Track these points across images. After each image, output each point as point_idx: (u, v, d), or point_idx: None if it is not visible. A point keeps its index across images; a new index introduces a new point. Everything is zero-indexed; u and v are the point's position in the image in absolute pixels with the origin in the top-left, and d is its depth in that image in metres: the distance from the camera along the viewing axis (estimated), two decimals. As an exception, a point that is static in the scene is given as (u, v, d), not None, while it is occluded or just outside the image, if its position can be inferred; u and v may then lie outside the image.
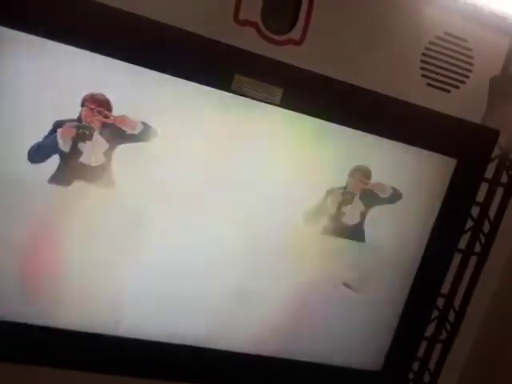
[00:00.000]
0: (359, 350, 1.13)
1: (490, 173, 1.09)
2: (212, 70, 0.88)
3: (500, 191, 1.11)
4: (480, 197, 1.09)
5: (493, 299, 1.21)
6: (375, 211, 1.03)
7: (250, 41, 0.92)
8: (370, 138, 0.98)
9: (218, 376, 1.06)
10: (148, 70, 0.85)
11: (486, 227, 1.11)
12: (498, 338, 1.19)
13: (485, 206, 1.10)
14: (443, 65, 1.03)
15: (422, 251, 1.08)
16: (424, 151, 1.01)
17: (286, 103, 0.91)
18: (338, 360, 1.12)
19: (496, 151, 1.07)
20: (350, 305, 1.08)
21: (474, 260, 1.14)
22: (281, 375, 1.10)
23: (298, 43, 0.96)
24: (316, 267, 1.04)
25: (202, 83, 0.88)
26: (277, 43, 0.96)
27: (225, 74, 0.88)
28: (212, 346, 1.03)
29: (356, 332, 1.11)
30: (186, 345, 1.01)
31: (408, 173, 1.03)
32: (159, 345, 0.99)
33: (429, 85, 1.03)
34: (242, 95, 0.89)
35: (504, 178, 1.11)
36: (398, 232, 1.06)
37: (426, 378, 1.21)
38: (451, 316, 1.16)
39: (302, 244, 1.01)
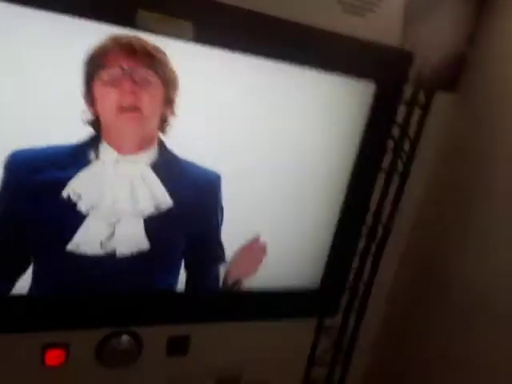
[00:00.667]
0: (296, 272, 1.21)
1: (407, 94, 1.15)
2: (113, 6, 0.86)
3: (418, 112, 1.17)
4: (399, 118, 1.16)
5: (418, 212, 1.31)
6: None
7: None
8: (288, 68, 1.00)
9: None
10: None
11: (407, 146, 1.19)
12: (426, 246, 1.30)
13: (404, 127, 1.17)
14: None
15: (349, 174, 1.15)
16: (342, 78, 1.05)
17: (199, 38, 0.91)
18: (274, 285, 1.19)
19: (412, 73, 1.12)
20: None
21: (397, 178, 1.22)
22: (218, 309, 1.17)
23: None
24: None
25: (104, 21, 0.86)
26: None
27: (127, 9, 0.86)
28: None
29: (291, 255, 1.18)
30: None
31: (328, 101, 1.07)
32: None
33: (345, 11, 1.05)
34: (149, 32, 0.89)
35: (421, 99, 1.17)
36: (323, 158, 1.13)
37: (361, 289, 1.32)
38: (379, 234, 1.26)
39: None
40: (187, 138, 0.99)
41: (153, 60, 0.92)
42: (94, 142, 0.95)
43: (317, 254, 1.21)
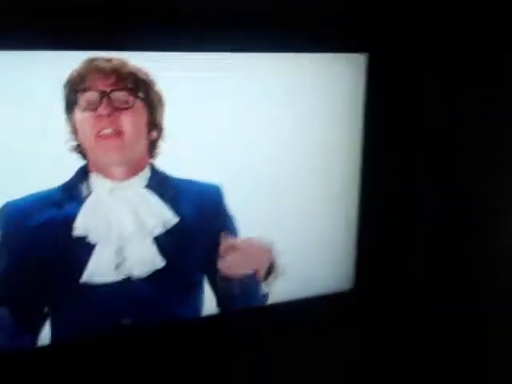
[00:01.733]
0: (324, 274, 1.12)
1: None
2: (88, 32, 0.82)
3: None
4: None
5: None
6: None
7: None
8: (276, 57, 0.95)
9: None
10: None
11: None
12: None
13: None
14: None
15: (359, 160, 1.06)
16: (333, 54, 0.98)
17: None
18: (304, 292, 1.10)
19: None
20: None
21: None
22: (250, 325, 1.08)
23: None
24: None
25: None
26: None
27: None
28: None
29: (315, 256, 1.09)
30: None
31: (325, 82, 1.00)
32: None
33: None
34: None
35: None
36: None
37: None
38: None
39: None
40: (178, 157, 0.93)
41: (134, 81, 0.87)
42: (82, 176, 0.90)
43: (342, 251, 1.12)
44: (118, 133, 0.87)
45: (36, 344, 0.92)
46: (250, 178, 1.01)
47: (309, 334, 1.13)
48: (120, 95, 0.86)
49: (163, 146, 0.92)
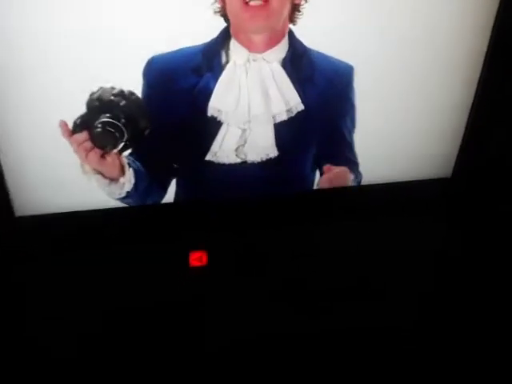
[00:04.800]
0: (423, 157, 1.12)
1: None
2: None
3: None
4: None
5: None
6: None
7: None
8: None
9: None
10: None
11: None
12: None
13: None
14: None
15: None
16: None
17: None
18: (401, 175, 1.12)
19: None
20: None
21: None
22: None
23: None
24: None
25: None
26: None
27: None
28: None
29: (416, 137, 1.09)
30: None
31: None
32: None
33: None
34: None
35: None
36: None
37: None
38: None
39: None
40: (317, 27, 0.91)
41: None
42: (224, 40, 0.90)
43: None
44: (265, 1, 0.86)
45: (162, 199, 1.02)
46: (378, 64, 0.98)
47: (401, 217, 1.17)
48: None
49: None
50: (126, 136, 0.86)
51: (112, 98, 0.84)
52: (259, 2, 0.85)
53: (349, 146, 1.04)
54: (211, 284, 1.15)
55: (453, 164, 1.14)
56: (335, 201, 1.13)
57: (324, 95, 0.98)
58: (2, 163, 0.91)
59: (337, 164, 1.06)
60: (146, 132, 0.89)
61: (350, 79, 0.97)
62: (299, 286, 1.22)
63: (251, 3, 0.85)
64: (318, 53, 0.94)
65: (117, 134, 0.84)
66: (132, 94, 0.86)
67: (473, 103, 1.07)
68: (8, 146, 0.90)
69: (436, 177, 1.15)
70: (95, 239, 1.04)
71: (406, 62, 1.00)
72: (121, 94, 0.85)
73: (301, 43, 0.92)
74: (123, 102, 0.85)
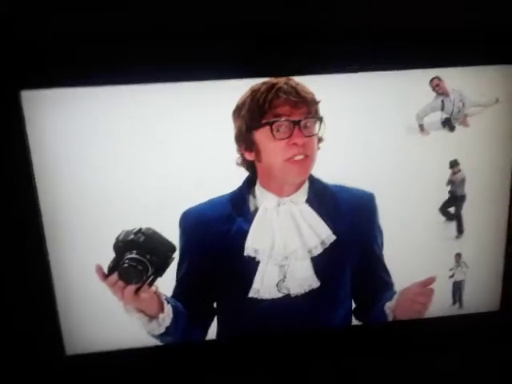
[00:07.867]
0: (471, 293, 1.11)
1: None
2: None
3: None
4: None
5: None
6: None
7: None
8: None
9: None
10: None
11: None
12: None
13: None
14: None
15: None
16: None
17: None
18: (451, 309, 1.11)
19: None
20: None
21: None
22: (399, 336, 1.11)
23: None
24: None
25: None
26: None
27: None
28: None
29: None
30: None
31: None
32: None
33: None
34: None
35: None
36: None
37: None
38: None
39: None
40: (330, 164, 0.98)
41: (311, 104, 0.92)
42: (249, 188, 0.98)
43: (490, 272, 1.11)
44: (306, 156, 0.94)
45: (204, 338, 1.05)
46: (398, 189, 1.03)
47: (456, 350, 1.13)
48: (307, 121, 0.92)
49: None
50: (150, 268, 0.92)
51: (132, 236, 0.92)
52: (302, 157, 0.94)
53: (383, 267, 1.05)
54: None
55: (499, 296, 1.12)
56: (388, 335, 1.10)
57: (351, 223, 1.01)
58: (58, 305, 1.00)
59: (372, 287, 1.05)
60: (170, 261, 0.96)
61: (372, 205, 1.02)
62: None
63: (296, 158, 0.94)
64: (336, 185, 1.00)
65: (139, 267, 0.91)
66: (149, 229, 0.94)
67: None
68: (61, 288, 1.00)
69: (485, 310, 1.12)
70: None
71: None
72: (139, 231, 0.93)
73: (319, 181, 0.99)
74: (142, 238, 0.92)
